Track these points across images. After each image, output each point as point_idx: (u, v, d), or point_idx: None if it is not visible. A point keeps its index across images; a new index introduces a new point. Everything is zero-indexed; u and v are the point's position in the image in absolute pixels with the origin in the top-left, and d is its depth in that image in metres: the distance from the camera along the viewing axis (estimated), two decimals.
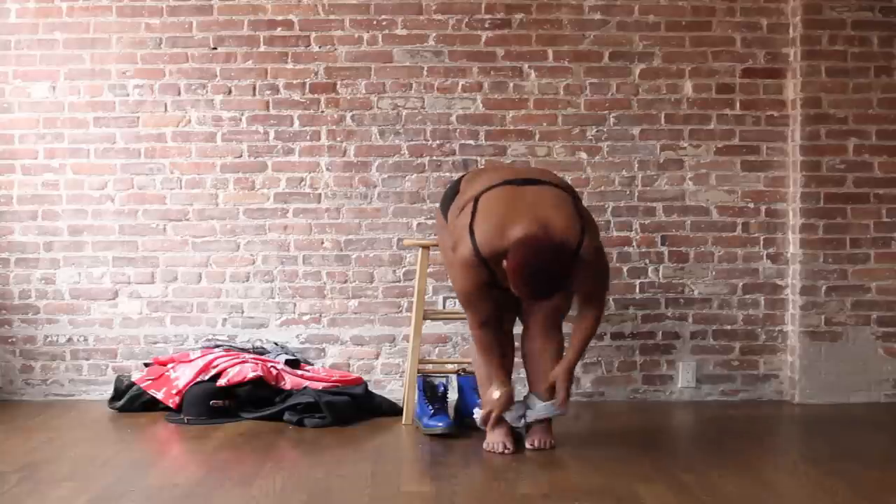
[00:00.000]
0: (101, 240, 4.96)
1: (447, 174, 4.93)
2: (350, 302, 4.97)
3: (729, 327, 4.98)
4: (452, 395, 4.52)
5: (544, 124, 4.95)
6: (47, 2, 4.93)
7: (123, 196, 4.97)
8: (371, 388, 4.72)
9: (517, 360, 4.09)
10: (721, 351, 4.98)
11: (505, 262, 3.53)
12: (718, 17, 4.95)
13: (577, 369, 4.92)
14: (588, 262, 3.63)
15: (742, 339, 4.98)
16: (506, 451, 3.78)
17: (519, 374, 4.19)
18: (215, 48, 4.96)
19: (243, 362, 4.53)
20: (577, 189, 4.94)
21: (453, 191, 3.95)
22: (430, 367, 4.60)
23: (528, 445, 3.88)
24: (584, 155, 4.96)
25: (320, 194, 4.97)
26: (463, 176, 4.04)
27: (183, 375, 4.52)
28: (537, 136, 4.96)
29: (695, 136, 4.97)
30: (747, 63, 4.96)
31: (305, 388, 4.49)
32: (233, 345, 4.82)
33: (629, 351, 4.97)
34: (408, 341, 4.64)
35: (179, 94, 4.96)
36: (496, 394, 3.80)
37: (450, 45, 4.93)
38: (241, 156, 4.97)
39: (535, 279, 3.48)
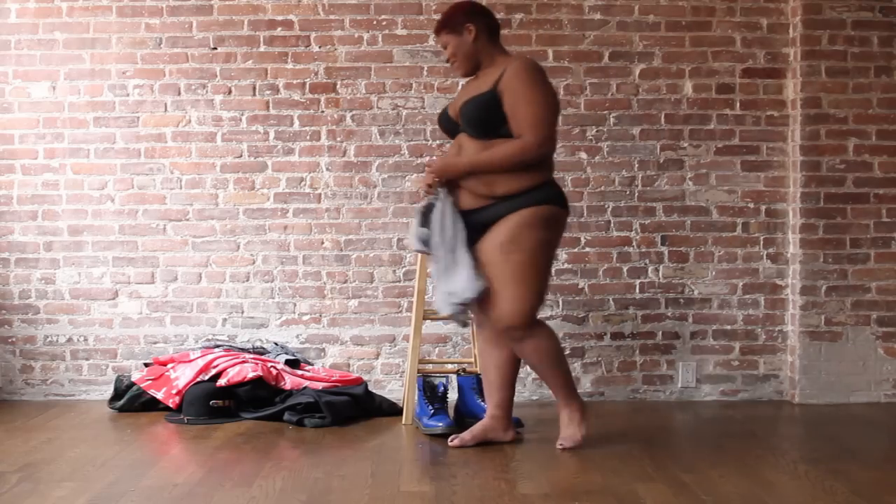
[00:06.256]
0: (101, 240, 4.97)
1: None
2: (350, 302, 4.97)
3: (729, 327, 4.98)
4: (452, 395, 4.53)
5: None
6: (47, 2, 4.94)
7: (123, 196, 4.97)
8: (371, 388, 4.72)
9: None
10: (721, 351, 4.98)
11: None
12: (718, 17, 4.96)
13: (577, 369, 4.93)
14: (511, 77, 3.70)
15: (742, 339, 4.98)
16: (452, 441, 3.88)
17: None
18: (215, 48, 4.96)
19: (243, 362, 4.53)
20: (576, 189, 4.96)
21: None
22: (430, 367, 4.60)
23: (557, 446, 3.89)
24: (584, 155, 4.96)
25: (320, 194, 4.97)
26: None
27: (183, 375, 4.52)
28: None
29: (695, 136, 4.97)
30: (747, 63, 4.96)
31: (305, 388, 4.49)
32: (233, 345, 4.82)
33: (629, 351, 4.97)
34: (408, 341, 4.64)
35: (179, 94, 4.96)
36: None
37: None
38: (241, 156, 4.97)
39: None
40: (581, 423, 3.90)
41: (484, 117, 3.72)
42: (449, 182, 3.82)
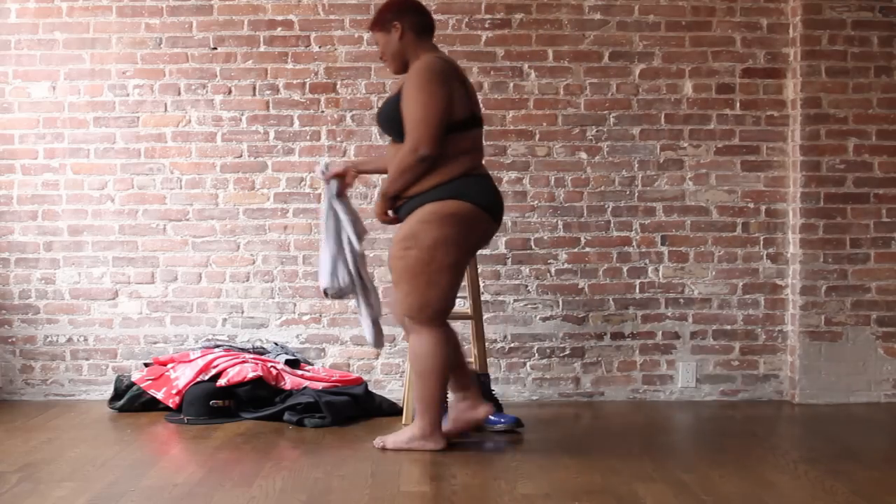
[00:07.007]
0: (101, 240, 4.96)
1: None
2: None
3: (729, 327, 4.98)
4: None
5: (544, 124, 4.95)
6: (47, 2, 4.93)
7: (123, 196, 4.97)
8: (371, 388, 4.72)
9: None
10: (721, 351, 4.98)
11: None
12: (718, 17, 4.95)
13: (578, 369, 4.93)
14: (406, 79, 3.75)
15: (742, 339, 4.98)
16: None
17: None
18: (215, 48, 4.96)
19: (243, 362, 4.53)
20: (576, 189, 4.97)
21: None
22: None
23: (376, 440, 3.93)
24: (584, 155, 4.96)
25: (320, 194, 4.95)
26: None
27: (183, 375, 4.52)
28: (537, 136, 4.96)
29: (695, 136, 4.97)
30: (747, 63, 4.96)
31: (305, 388, 4.49)
32: (233, 345, 4.82)
33: (629, 351, 4.97)
34: (408, 341, 4.63)
35: (179, 94, 4.96)
36: None
37: (450, 45, 4.92)
38: (241, 156, 4.97)
39: None
40: (410, 441, 3.80)
41: (388, 119, 3.82)
42: (337, 175, 4.01)
